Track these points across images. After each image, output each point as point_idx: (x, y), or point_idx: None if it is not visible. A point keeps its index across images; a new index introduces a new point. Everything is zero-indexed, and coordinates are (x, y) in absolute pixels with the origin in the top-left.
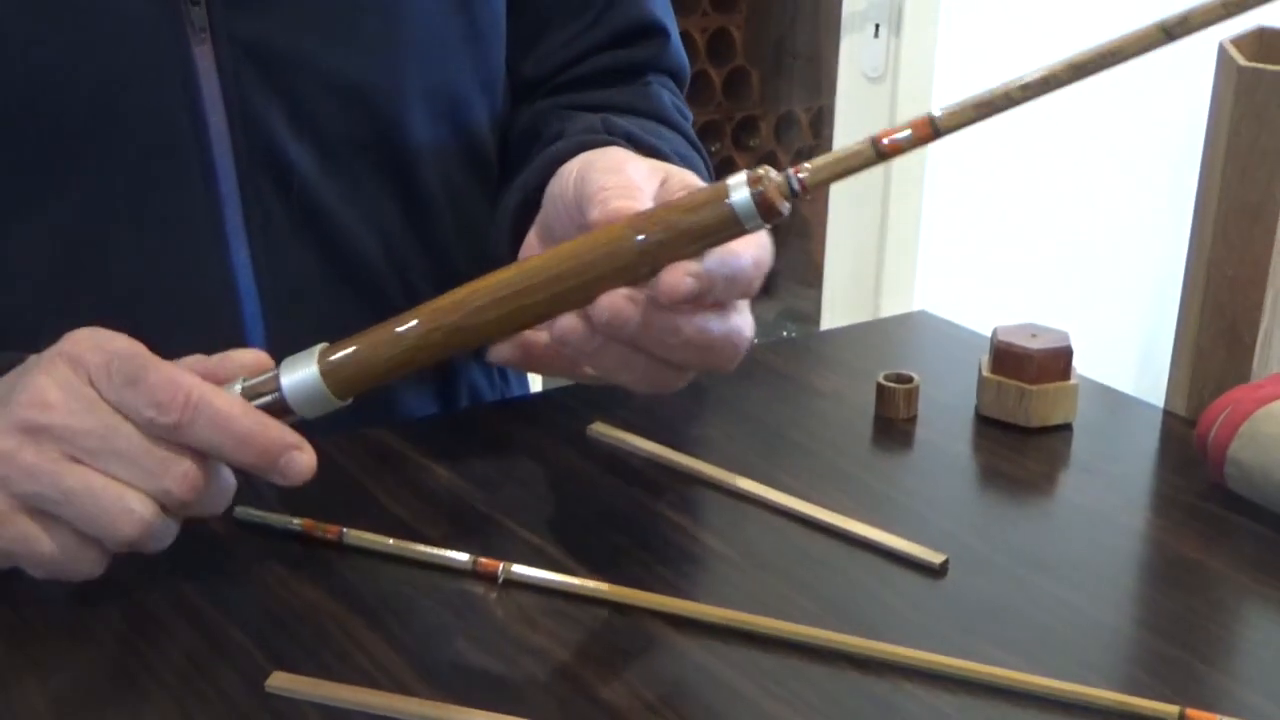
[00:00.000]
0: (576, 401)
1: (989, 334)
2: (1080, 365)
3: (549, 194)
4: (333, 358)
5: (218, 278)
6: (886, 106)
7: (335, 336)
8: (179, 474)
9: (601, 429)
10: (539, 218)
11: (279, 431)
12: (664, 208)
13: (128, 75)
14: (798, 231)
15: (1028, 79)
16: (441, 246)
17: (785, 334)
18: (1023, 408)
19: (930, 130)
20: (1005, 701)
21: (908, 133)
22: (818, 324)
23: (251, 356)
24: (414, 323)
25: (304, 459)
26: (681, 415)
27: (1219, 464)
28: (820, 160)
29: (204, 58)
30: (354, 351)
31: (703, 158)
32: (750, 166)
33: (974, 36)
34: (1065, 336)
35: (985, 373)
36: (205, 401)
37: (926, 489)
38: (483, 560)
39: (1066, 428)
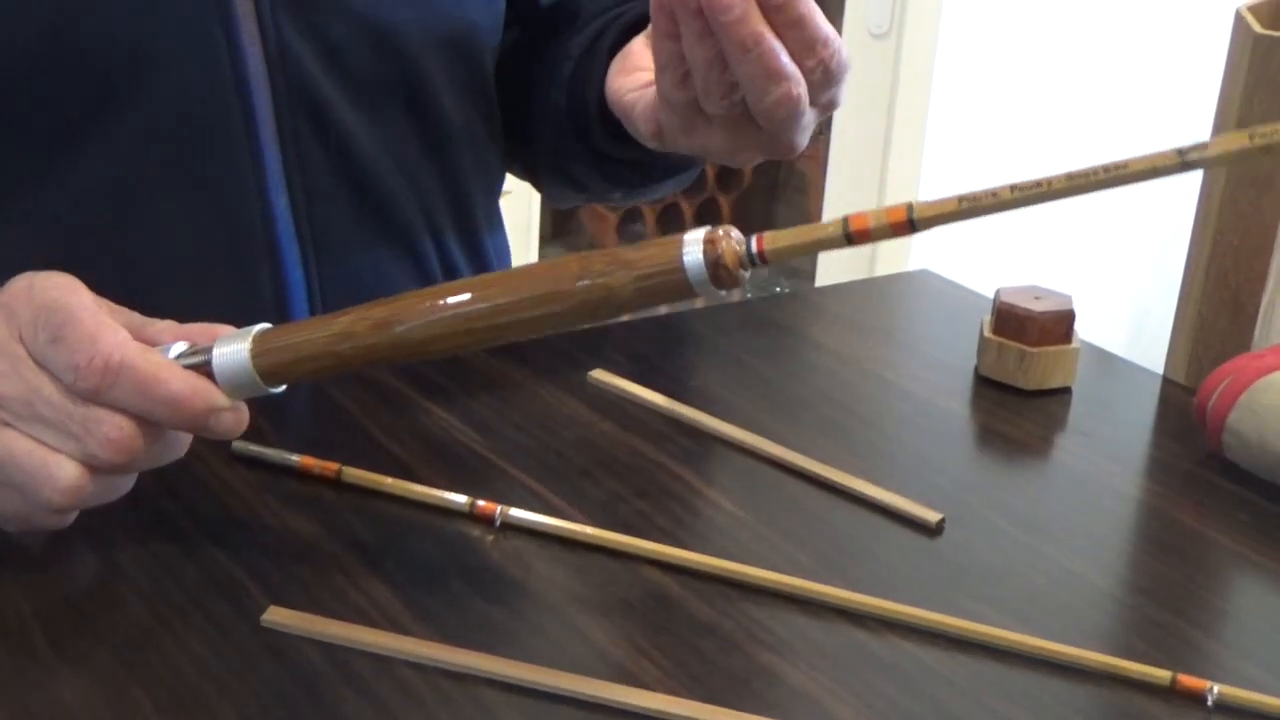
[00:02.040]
0: (577, 349)
1: (992, 295)
2: (1082, 329)
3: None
4: (263, 336)
5: (258, 222)
6: (890, 64)
7: (372, 281)
8: (102, 437)
9: (601, 376)
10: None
11: (206, 394)
12: (615, 251)
13: (167, 16)
14: (794, 187)
15: (1021, 182)
16: (461, 186)
17: (778, 290)
18: (1023, 369)
19: (906, 221)
20: (997, 661)
21: (883, 221)
22: (812, 280)
23: (220, 331)
24: (349, 314)
25: (232, 418)
26: (681, 365)
27: (1217, 433)
28: (785, 232)
29: (243, 1)
30: (282, 332)
31: None
32: None
33: None
34: (1068, 300)
35: (986, 333)
36: (127, 364)
37: (924, 447)
38: (480, 503)
39: (1065, 391)
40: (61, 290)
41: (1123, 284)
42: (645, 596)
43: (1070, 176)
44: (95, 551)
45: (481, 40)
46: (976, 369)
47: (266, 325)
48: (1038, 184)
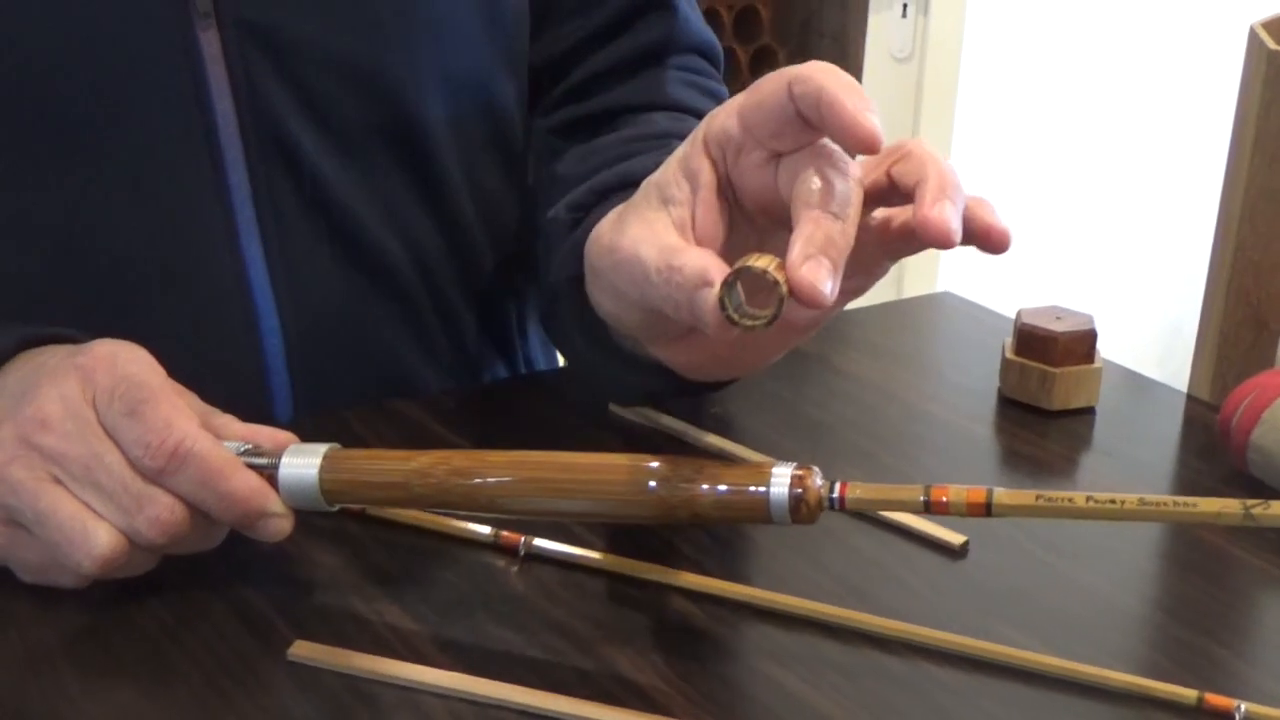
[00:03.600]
0: None
1: (1012, 316)
2: (1105, 350)
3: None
4: (335, 457)
5: (229, 270)
6: (913, 88)
7: (352, 331)
8: (152, 516)
9: (623, 406)
10: (617, 326)
11: (263, 498)
12: (703, 462)
13: (132, 61)
14: None
15: (1098, 495)
16: (463, 236)
17: None
18: (1045, 390)
19: (984, 505)
20: (1023, 683)
21: (961, 498)
22: None
23: (282, 437)
24: (429, 455)
25: (281, 524)
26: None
27: (1241, 450)
28: (869, 486)
29: (210, 43)
30: (354, 456)
31: None
32: None
33: (1002, 18)
34: (1090, 319)
35: (1008, 354)
36: (195, 454)
37: (947, 470)
38: (504, 533)
39: (1089, 411)
40: (143, 367)
41: (1150, 305)
42: (670, 624)
43: (1142, 500)
44: (122, 587)
45: (494, 84)
46: (999, 390)
47: (337, 445)
48: (1111, 500)
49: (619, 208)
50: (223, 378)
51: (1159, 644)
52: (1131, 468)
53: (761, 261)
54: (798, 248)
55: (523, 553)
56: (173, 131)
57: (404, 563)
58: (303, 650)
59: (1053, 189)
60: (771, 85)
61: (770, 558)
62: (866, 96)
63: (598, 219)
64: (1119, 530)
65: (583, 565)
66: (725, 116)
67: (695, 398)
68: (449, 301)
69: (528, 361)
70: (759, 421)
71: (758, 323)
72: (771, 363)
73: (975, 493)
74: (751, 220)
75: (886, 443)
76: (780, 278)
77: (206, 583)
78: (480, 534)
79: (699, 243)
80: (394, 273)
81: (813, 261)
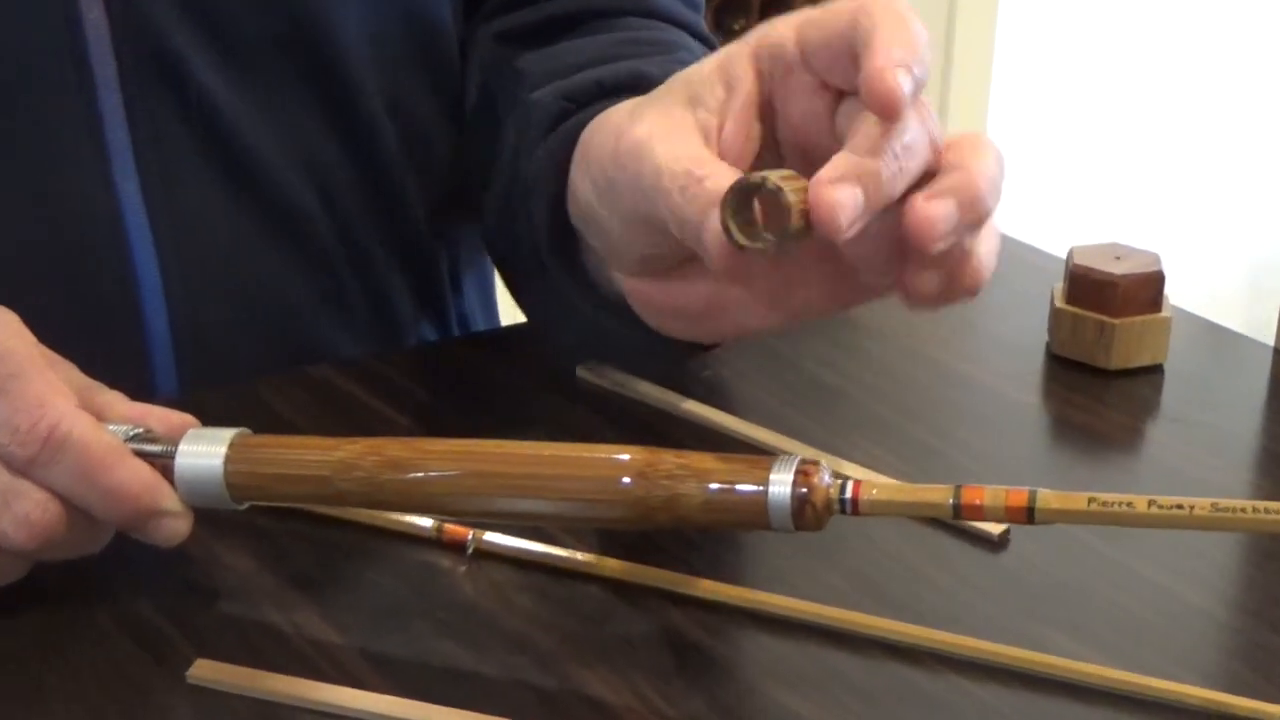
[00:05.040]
0: None
1: (1064, 256)
2: (1175, 296)
3: (581, 202)
4: (243, 445)
5: (100, 210)
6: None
7: (247, 285)
8: (20, 515)
9: (593, 370)
10: (589, 232)
11: (155, 493)
12: (690, 455)
13: None
14: None
15: (1161, 500)
16: (383, 172)
17: None
18: (1103, 345)
19: (1025, 510)
20: (1074, 699)
21: (999, 501)
22: None
23: (179, 420)
24: (358, 443)
25: (176, 525)
26: None
27: None
28: (888, 484)
29: None
30: (267, 445)
31: None
32: None
33: None
34: (1156, 259)
35: (1059, 303)
36: (72, 440)
37: (985, 444)
38: (448, 526)
39: (1156, 370)
40: (9, 333)
41: (1229, 239)
42: (650, 634)
43: (1215, 505)
44: None
45: None
46: (1048, 346)
47: (246, 430)
48: (1178, 505)
49: (632, 100)
50: (92, 342)
51: (1239, 651)
52: (1207, 439)
53: (778, 175)
54: (830, 166)
55: (471, 549)
56: (33, 47)
57: (328, 564)
58: (205, 671)
59: (1110, 107)
60: (839, 9)
61: (771, 553)
62: (916, 51)
63: (595, 115)
64: None
65: (543, 564)
66: (784, 28)
67: (667, 360)
68: (366, 249)
69: (462, 320)
70: (759, 387)
71: (759, 244)
72: (756, 333)
73: (1015, 495)
74: (784, 160)
75: (913, 412)
76: (796, 200)
77: (89, 590)
78: (421, 528)
79: (721, 159)
80: (299, 215)
81: (845, 184)
